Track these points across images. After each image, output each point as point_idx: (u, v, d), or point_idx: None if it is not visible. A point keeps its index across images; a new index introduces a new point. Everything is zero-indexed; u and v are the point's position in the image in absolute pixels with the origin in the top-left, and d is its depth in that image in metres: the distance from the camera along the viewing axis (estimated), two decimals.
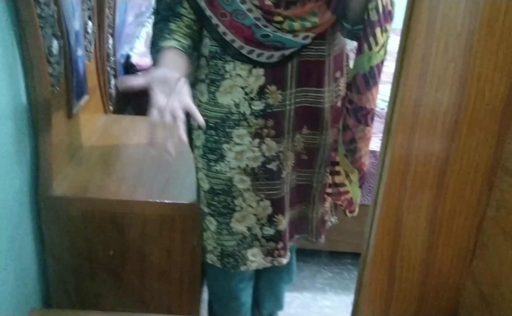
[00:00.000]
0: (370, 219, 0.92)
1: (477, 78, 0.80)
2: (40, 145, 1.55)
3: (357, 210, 1.59)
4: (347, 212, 1.62)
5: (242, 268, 1.55)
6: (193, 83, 1.43)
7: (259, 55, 1.31)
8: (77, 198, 1.62)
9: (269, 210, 1.48)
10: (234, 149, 1.40)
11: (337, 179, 1.51)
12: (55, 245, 1.66)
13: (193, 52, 1.31)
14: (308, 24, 1.27)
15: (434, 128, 0.83)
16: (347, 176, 1.50)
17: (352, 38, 1.41)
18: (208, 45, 1.36)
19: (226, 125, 1.39)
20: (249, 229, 1.50)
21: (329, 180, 1.53)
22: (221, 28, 1.29)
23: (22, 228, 1.53)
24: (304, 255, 2.43)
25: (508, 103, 0.81)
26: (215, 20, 1.29)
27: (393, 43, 1.21)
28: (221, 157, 1.41)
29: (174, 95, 1.11)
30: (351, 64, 1.45)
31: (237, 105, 1.37)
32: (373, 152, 2.09)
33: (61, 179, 1.67)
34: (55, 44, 1.53)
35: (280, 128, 1.40)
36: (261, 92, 1.35)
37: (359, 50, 1.32)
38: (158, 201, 1.64)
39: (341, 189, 1.53)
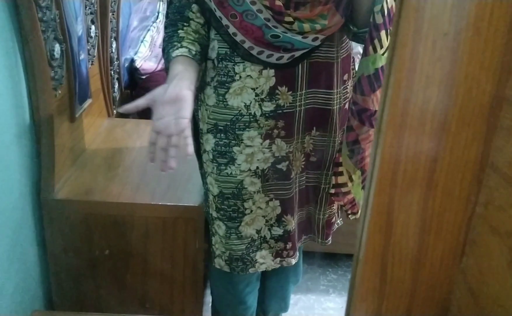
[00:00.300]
0: (362, 217, 0.93)
1: (465, 77, 0.81)
2: (42, 148, 1.57)
3: (360, 212, 1.60)
4: (349, 213, 1.63)
5: (251, 270, 1.57)
6: (200, 88, 1.45)
7: (268, 56, 1.32)
8: (79, 201, 1.64)
9: (278, 210, 1.50)
10: (245, 152, 1.41)
11: (340, 179, 1.53)
12: (57, 247, 1.68)
13: (202, 57, 1.33)
14: (317, 26, 1.29)
15: (423, 127, 0.84)
16: (350, 176, 1.52)
17: (357, 41, 1.43)
18: (216, 48, 1.37)
19: (236, 127, 1.40)
20: (258, 231, 1.52)
21: (333, 180, 1.55)
22: (231, 29, 1.30)
23: (24, 231, 1.55)
24: (308, 257, 2.44)
25: (495, 101, 0.82)
26: (225, 21, 1.30)
27: None
28: (232, 160, 1.43)
29: (172, 120, 1.16)
30: (357, 67, 1.47)
31: (247, 106, 1.38)
32: None
33: (63, 182, 1.70)
34: (57, 48, 1.55)
35: (290, 129, 1.42)
36: (272, 93, 1.37)
37: (365, 53, 1.34)
38: (160, 203, 1.66)
39: (344, 190, 1.54)
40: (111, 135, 2.11)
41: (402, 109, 0.83)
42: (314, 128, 1.46)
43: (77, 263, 1.70)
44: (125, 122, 2.26)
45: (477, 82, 0.81)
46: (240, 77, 1.36)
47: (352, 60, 1.53)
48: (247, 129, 1.40)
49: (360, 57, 1.38)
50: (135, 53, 2.84)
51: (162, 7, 3.31)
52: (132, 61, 2.76)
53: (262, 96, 1.37)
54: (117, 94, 2.44)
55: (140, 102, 1.21)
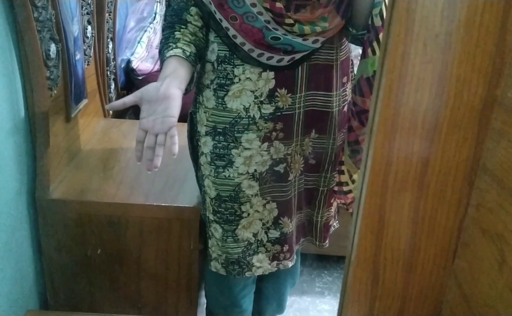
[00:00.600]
0: (354, 218, 0.93)
1: (456, 79, 0.81)
2: (37, 148, 1.57)
3: None
4: (351, 212, 1.63)
5: (248, 274, 1.56)
6: (199, 90, 1.45)
7: (268, 58, 1.32)
8: (74, 201, 1.64)
9: (275, 212, 1.50)
10: (243, 155, 1.41)
11: (342, 178, 1.56)
12: (52, 247, 1.67)
13: (197, 59, 1.32)
14: (318, 29, 1.29)
15: (414, 129, 0.84)
16: (351, 176, 1.53)
17: (356, 43, 1.44)
18: (216, 50, 1.37)
19: (235, 130, 1.40)
20: (254, 235, 1.51)
21: (336, 178, 1.55)
22: (231, 31, 1.30)
23: (19, 230, 1.55)
24: (304, 259, 2.44)
25: (486, 103, 0.82)
26: (225, 23, 1.30)
27: None
28: (230, 163, 1.42)
29: (159, 118, 1.17)
30: (356, 70, 1.47)
31: (246, 109, 1.38)
32: None
33: (58, 182, 1.69)
34: (53, 47, 1.55)
35: (289, 131, 1.42)
36: (271, 95, 1.37)
37: (363, 55, 1.35)
38: (155, 204, 1.66)
39: (345, 188, 1.56)
40: (107, 136, 2.11)
41: (394, 111, 0.83)
42: (313, 130, 1.46)
43: (72, 263, 1.70)
44: (121, 122, 2.26)
45: (468, 84, 0.81)
46: (240, 79, 1.36)
47: (351, 63, 1.53)
48: (246, 132, 1.40)
49: (359, 59, 1.39)
50: (132, 54, 2.83)
51: (159, 8, 3.31)
52: (129, 62, 2.76)
53: (261, 99, 1.37)
54: (113, 95, 2.43)
55: (128, 100, 1.21)
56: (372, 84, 1.35)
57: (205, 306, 1.95)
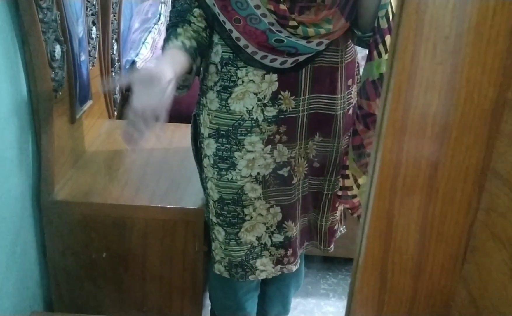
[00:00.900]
0: (362, 222, 0.92)
1: (466, 81, 0.80)
2: (42, 149, 1.57)
3: None
4: (355, 215, 1.61)
5: (251, 278, 1.55)
6: (202, 92, 1.44)
7: (272, 60, 1.31)
8: (79, 202, 1.63)
9: (279, 217, 1.49)
10: (246, 157, 1.40)
11: (347, 183, 1.53)
12: (56, 248, 1.67)
13: (197, 53, 1.31)
14: (322, 31, 1.27)
15: (423, 132, 0.83)
16: (356, 180, 1.51)
17: (362, 46, 1.42)
18: (220, 52, 1.36)
19: (238, 132, 1.39)
20: (258, 238, 1.51)
21: (340, 182, 1.54)
22: (235, 34, 1.29)
23: (24, 232, 1.55)
24: (308, 261, 2.43)
25: (497, 106, 0.81)
26: (228, 26, 1.29)
27: None
28: (233, 165, 1.42)
29: (151, 98, 1.12)
30: (361, 72, 1.46)
31: (249, 111, 1.37)
32: None
33: (63, 184, 1.69)
34: (57, 49, 1.54)
35: (293, 134, 1.41)
36: (274, 98, 1.36)
37: (369, 57, 1.33)
38: (160, 205, 1.65)
39: (350, 193, 1.54)
40: (112, 137, 2.10)
41: (403, 113, 0.82)
42: (318, 133, 1.45)
43: (76, 264, 1.70)
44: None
45: (478, 87, 0.80)
46: (243, 82, 1.35)
47: (356, 65, 1.51)
48: (249, 134, 1.39)
49: (364, 61, 1.37)
50: (136, 55, 2.83)
51: (164, 9, 3.31)
52: (133, 63, 2.75)
53: (265, 101, 1.36)
54: (118, 96, 2.43)
55: (122, 80, 1.18)
56: (377, 87, 1.33)
57: (209, 307, 1.95)
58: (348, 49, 1.43)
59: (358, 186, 1.51)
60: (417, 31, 0.78)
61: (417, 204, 0.87)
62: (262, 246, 1.52)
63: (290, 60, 1.31)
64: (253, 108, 1.37)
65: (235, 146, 1.40)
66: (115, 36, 2.33)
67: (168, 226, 1.67)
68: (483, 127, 0.82)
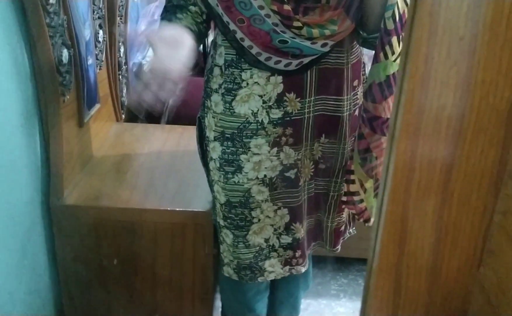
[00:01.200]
0: (375, 225, 0.91)
1: (481, 83, 0.79)
2: (51, 154, 1.57)
3: (373, 219, 1.57)
4: (361, 221, 1.60)
5: (260, 279, 1.54)
6: (207, 95, 1.43)
7: (276, 62, 1.30)
8: (88, 206, 1.63)
9: (287, 218, 1.47)
10: (252, 160, 1.39)
11: (352, 188, 1.51)
12: (66, 253, 1.67)
13: (198, 39, 1.30)
14: (327, 32, 1.25)
15: (438, 134, 0.82)
16: (362, 185, 1.49)
17: (368, 47, 1.40)
18: (223, 54, 1.35)
19: (243, 135, 1.37)
20: (266, 240, 1.50)
21: (345, 188, 1.52)
22: (239, 34, 1.28)
23: (34, 236, 1.55)
24: (319, 261, 2.42)
25: None
26: (232, 26, 1.28)
27: None
28: (239, 168, 1.40)
29: (169, 60, 1.11)
30: (367, 72, 1.44)
31: (254, 114, 1.36)
32: None
33: (72, 188, 1.69)
34: (65, 53, 1.54)
35: (299, 136, 1.39)
36: (280, 100, 1.34)
37: (375, 59, 1.31)
38: (169, 208, 1.65)
39: (355, 198, 1.52)
40: (120, 140, 2.10)
41: (417, 115, 0.81)
42: (323, 135, 1.44)
43: (87, 269, 1.70)
44: (133, 126, 2.25)
45: (494, 88, 0.79)
46: (247, 84, 1.34)
47: (362, 65, 1.50)
48: (254, 137, 1.38)
49: (370, 61, 1.35)
50: (143, 58, 2.82)
51: None
52: (141, 65, 2.75)
53: (270, 104, 1.35)
54: (125, 99, 2.43)
55: (146, 36, 1.16)
56: (384, 89, 1.31)
57: (220, 309, 1.94)
58: (353, 50, 1.41)
59: (365, 190, 1.49)
60: (430, 33, 0.76)
61: (431, 207, 0.86)
62: (270, 247, 1.51)
63: (295, 62, 1.30)
64: (258, 110, 1.36)
65: (241, 149, 1.39)
66: (122, 39, 2.33)
67: (178, 229, 1.67)
68: (498, 129, 0.81)
